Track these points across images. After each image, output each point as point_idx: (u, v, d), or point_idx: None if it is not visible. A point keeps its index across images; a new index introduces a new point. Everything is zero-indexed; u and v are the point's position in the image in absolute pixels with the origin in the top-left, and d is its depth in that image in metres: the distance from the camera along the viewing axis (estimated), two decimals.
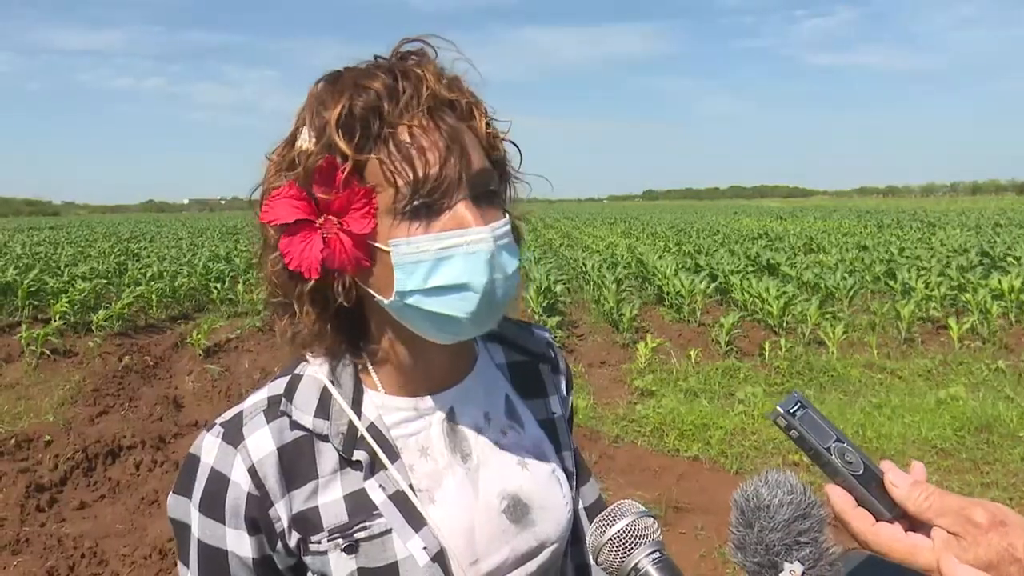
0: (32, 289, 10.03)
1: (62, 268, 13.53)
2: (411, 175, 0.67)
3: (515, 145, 0.79)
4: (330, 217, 0.69)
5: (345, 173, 0.68)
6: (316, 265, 0.69)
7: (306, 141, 0.70)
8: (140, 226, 45.76)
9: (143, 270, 12.78)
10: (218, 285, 11.35)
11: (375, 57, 0.74)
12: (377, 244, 0.69)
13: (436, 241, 0.68)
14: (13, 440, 4.94)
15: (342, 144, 0.67)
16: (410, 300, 0.69)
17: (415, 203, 0.68)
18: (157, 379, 7.02)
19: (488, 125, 0.74)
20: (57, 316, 8.44)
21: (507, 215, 0.74)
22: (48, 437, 5.04)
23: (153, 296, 10.06)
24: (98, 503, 4.29)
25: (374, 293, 0.72)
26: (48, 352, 7.50)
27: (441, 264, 0.68)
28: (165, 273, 12.27)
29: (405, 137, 0.68)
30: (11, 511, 4.01)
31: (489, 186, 0.73)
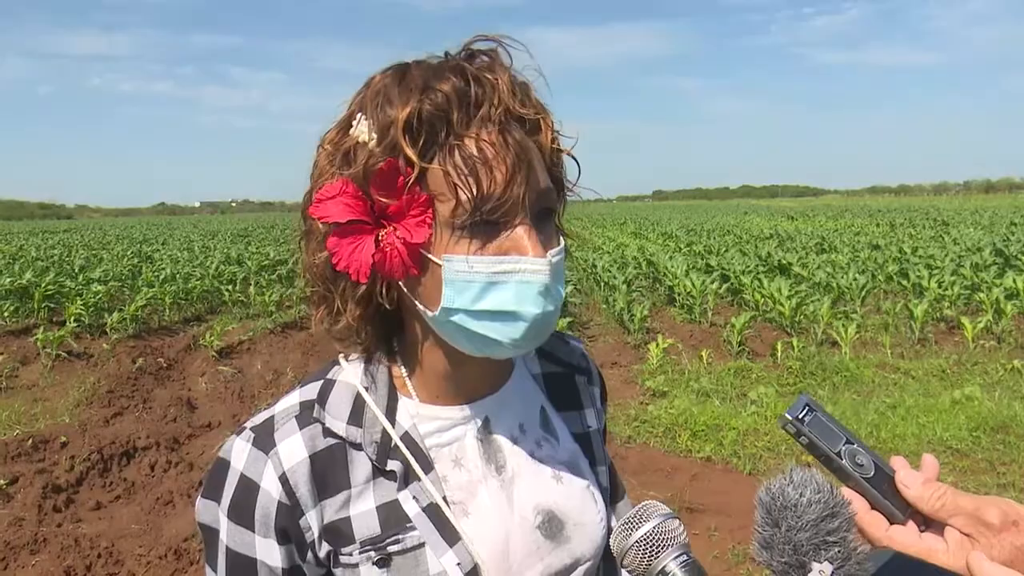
0: (48, 292, 10.12)
1: (76, 271, 13.64)
2: (475, 190, 0.64)
3: (575, 160, 0.75)
4: (388, 222, 0.67)
5: (409, 181, 0.65)
6: (366, 270, 0.67)
7: (364, 133, 0.67)
8: (152, 229, 46.04)
9: (156, 272, 12.86)
10: (230, 287, 11.41)
11: (445, 53, 0.70)
12: (430, 256, 0.67)
13: (491, 264, 0.65)
14: (30, 441, 4.99)
15: (408, 150, 0.65)
16: (454, 318, 0.67)
17: (475, 219, 0.65)
18: (171, 380, 7.06)
19: (553, 140, 0.71)
20: (72, 318, 8.51)
21: (561, 238, 0.72)
22: (64, 438, 5.09)
23: (166, 298, 10.11)
24: (114, 503, 4.33)
25: (418, 303, 0.70)
26: (64, 354, 7.57)
27: (493, 288, 0.66)
28: (178, 275, 12.34)
29: (472, 149, 0.65)
30: (29, 511, 4.06)
31: (548, 205, 0.70)
